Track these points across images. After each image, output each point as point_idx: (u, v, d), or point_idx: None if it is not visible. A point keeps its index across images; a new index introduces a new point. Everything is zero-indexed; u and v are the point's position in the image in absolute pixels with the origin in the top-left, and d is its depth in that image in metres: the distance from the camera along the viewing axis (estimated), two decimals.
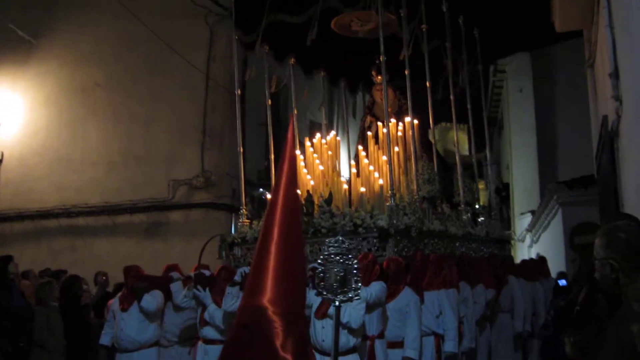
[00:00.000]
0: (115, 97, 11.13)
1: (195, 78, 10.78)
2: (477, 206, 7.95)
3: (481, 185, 11.10)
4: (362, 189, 6.61)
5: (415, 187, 6.62)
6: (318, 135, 8.05)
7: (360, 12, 7.13)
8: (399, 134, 7.47)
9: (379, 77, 8.02)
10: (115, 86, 11.15)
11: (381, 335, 4.91)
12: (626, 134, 3.99)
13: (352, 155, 8.74)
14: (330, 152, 7.73)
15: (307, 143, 7.74)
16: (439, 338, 5.43)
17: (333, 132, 8.37)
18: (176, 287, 5.75)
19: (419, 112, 7.61)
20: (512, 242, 11.21)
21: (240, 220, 7.10)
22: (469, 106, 8.23)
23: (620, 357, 2.15)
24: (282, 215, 2.84)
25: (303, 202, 6.10)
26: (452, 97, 7.90)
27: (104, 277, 8.08)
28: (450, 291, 5.58)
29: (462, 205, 7.37)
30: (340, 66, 8.90)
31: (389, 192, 6.09)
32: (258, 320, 2.72)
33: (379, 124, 7.86)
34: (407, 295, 5.12)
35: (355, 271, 3.02)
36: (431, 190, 7.14)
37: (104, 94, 11.18)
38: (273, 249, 2.79)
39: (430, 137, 8.49)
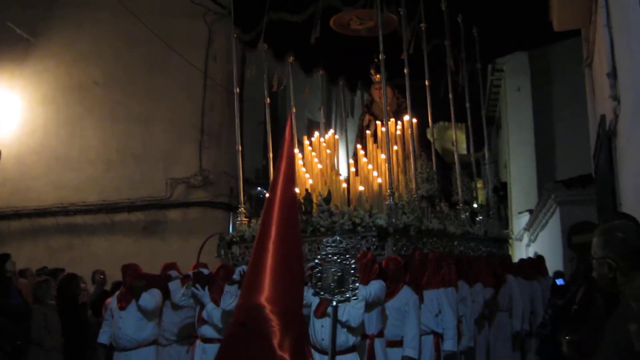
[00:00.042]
0: (114, 96, 11.12)
1: (193, 77, 10.77)
2: (475, 205, 7.96)
3: (479, 184, 11.10)
4: (361, 188, 6.61)
5: (414, 186, 6.62)
6: (316, 134, 8.05)
7: (359, 10, 7.12)
8: (398, 132, 7.48)
9: (378, 76, 8.02)
10: (114, 85, 11.13)
11: (380, 334, 4.91)
12: (624, 133, 3.99)
13: (351, 154, 8.74)
14: (328, 151, 7.72)
15: (306, 142, 7.74)
16: (438, 337, 5.44)
17: (331, 131, 8.37)
18: (174, 286, 5.74)
19: (417, 111, 7.61)
20: (510, 241, 11.22)
21: (239, 219, 7.09)
22: (467, 105, 8.23)
23: (618, 356, 2.15)
24: (280, 214, 2.83)
25: (302, 200, 6.10)
26: (451, 95, 7.91)
27: (101, 276, 8.06)
28: (449, 290, 5.59)
29: (461, 204, 7.38)
30: (339, 65, 8.89)
31: (388, 191, 6.09)
32: (255, 319, 2.72)
33: (378, 122, 7.86)
34: (406, 294, 5.13)
35: (352, 271, 3.02)
36: (430, 189, 7.15)
37: (102, 92, 11.16)
38: (271, 247, 2.79)
39: (429, 136, 8.49)
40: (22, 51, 11.40)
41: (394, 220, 5.83)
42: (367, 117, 8.41)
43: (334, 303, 3.01)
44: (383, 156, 6.83)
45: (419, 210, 6.34)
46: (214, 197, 10.76)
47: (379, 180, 6.50)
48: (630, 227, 2.34)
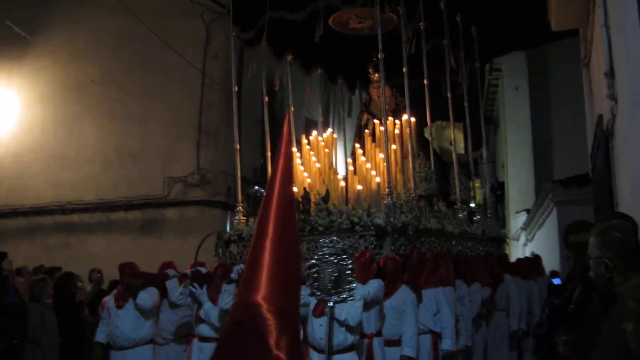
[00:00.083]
0: (111, 94, 11.10)
1: (191, 75, 10.75)
2: (473, 204, 7.96)
3: (477, 184, 11.10)
4: (359, 187, 6.61)
5: (412, 185, 6.62)
6: (315, 132, 8.04)
7: (358, 9, 7.12)
8: (396, 132, 7.47)
9: (376, 75, 8.02)
10: (111, 83, 11.11)
11: (379, 334, 4.91)
12: (621, 133, 3.99)
13: (349, 153, 8.73)
14: (327, 150, 7.72)
15: (304, 140, 7.73)
16: (436, 336, 5.44)
17: (329, 130, 8.37)
18: (172, 285, 5.73)
19: (416, 110, 7.61)
20: (507, 240, 11.23)
21: (236, 218, 7.09)
22: (465, 104, 8.23)
23: (614, 355, 2.15)
24: (277, 212, 2.83)
25: (300, 199, 6.09)
26: (449, 95, 7.91)
27: (98, 274, 8.06)
28: (447, 289, 5.59)
29: (459, 204, 7.38)
30: (338, 63, 8.89)
31: (386, 190, 6.09)
32: (252, 318, 2.71)
33: (376, 121, 7.86)
34: (404, 293, 5.12)
35: (349, 271, 3.02)
36: (428, 189, 7.15)
37: (99, 91, 11.14)
38: (268, 245, 2.78)
39: (427, 135, 8.49)
40: (20, 49, 11.37)
41: (392, 220, 5.83)
42: (365, 116, 8.41)
43: (331, 303, 3.01)
44: (381, 155, 6.82)
45: (417, 210, 6.34)
46: (211, 195, 10.75)
47: (377, 179, 6.50)
48: (627, 227, 2.35)
